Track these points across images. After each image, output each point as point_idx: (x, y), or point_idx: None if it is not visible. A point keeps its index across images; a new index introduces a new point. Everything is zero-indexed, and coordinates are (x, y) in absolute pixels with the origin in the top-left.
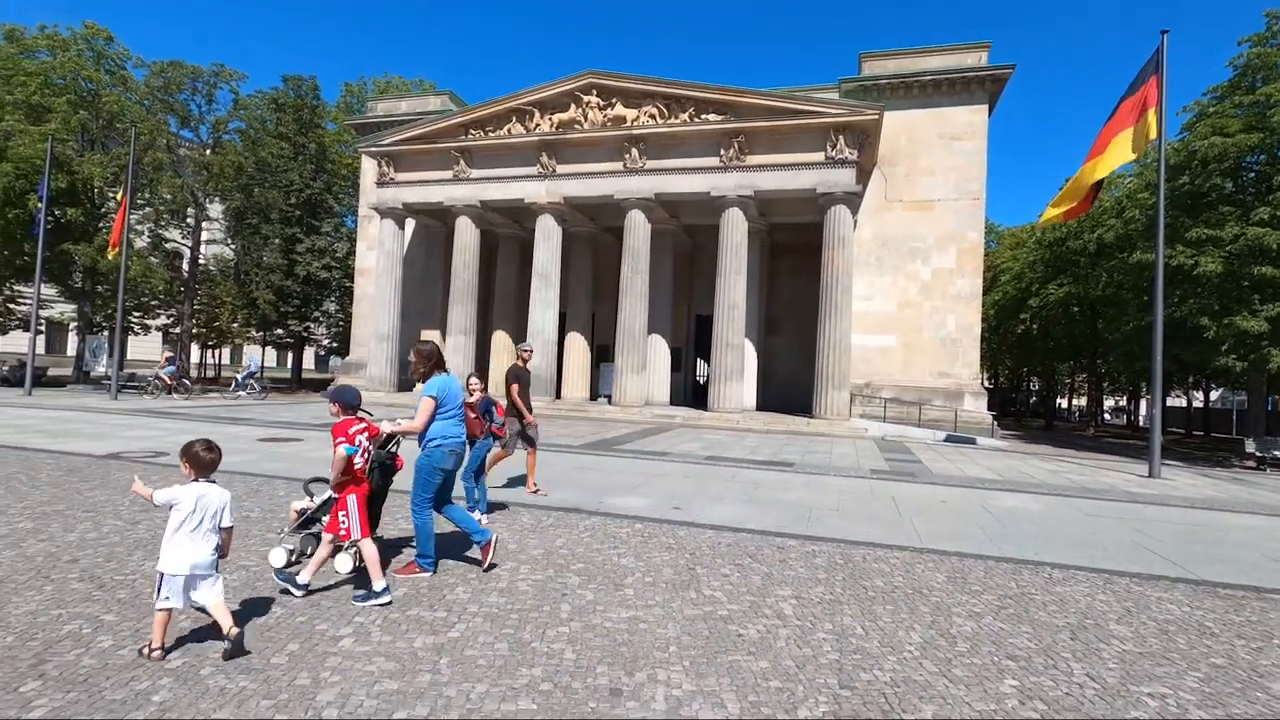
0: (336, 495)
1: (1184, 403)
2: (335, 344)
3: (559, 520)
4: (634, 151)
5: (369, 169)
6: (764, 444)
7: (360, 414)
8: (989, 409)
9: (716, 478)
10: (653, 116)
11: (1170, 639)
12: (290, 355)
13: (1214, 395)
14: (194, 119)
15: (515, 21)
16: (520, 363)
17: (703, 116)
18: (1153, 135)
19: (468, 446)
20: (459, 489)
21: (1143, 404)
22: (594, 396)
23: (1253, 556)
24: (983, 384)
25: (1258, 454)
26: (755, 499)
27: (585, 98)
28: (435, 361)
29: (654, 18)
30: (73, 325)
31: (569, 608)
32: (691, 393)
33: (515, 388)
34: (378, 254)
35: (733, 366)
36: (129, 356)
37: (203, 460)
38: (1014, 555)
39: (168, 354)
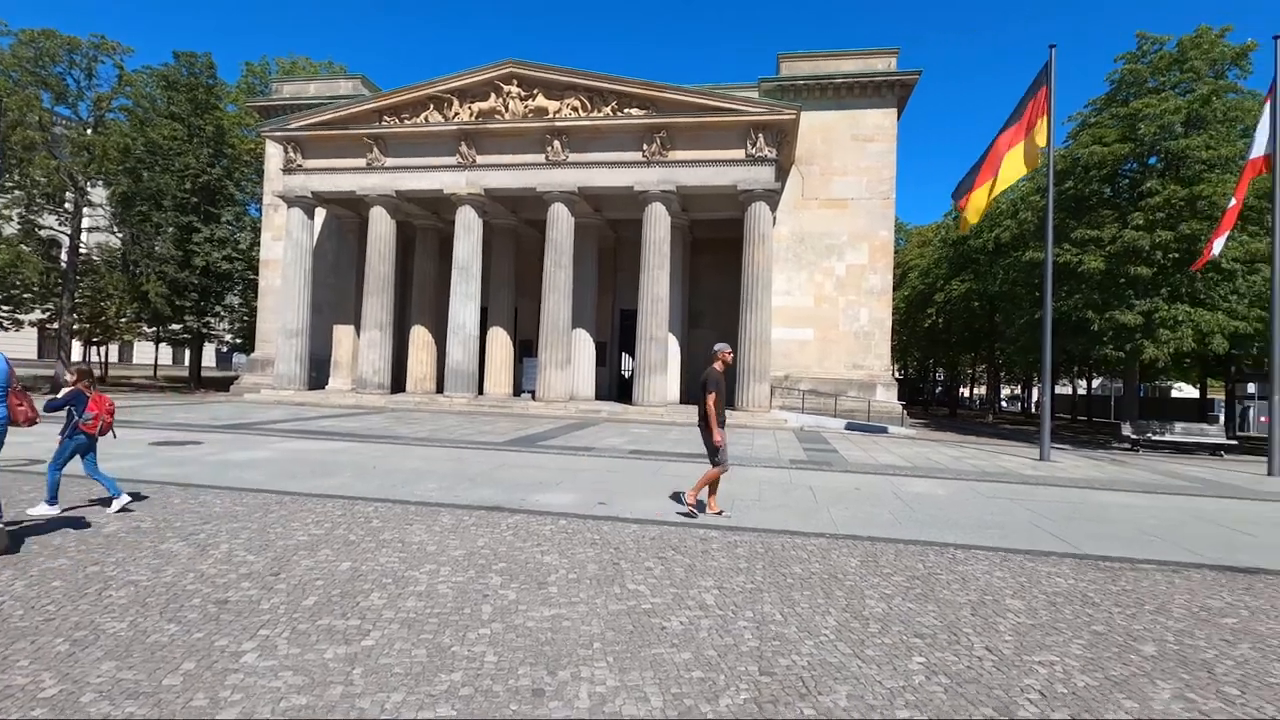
0: None
1: (1070, 390)
2: (240, 340)
3: (481, 520)
4: (556, 144)
5: (274, 155)
6: (688, 437)
7: None
8: (899, 399)
9: (641, 471)
10: (575, 109)
11: (1058, 610)
12: (188, 353)
13: (1095, 383)
14: (71, 95)
15: (430, 8)
16: (720, 366)
17: (625, 111)
18: (1042, 143)
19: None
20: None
21: (1035, 392)
22: (517, 392)
23: (1128, 531)
24: (893, 375)
25: (1132, 436)
26: (680, 492)
27: (506, 87)
28: None
29: (574, 10)
30: None
31: (490, 609)
32: (617, 387)
33: (714, 397)
34: (285, 245)
35: (657, 360)
36: None
37: None
38: (921, 538)
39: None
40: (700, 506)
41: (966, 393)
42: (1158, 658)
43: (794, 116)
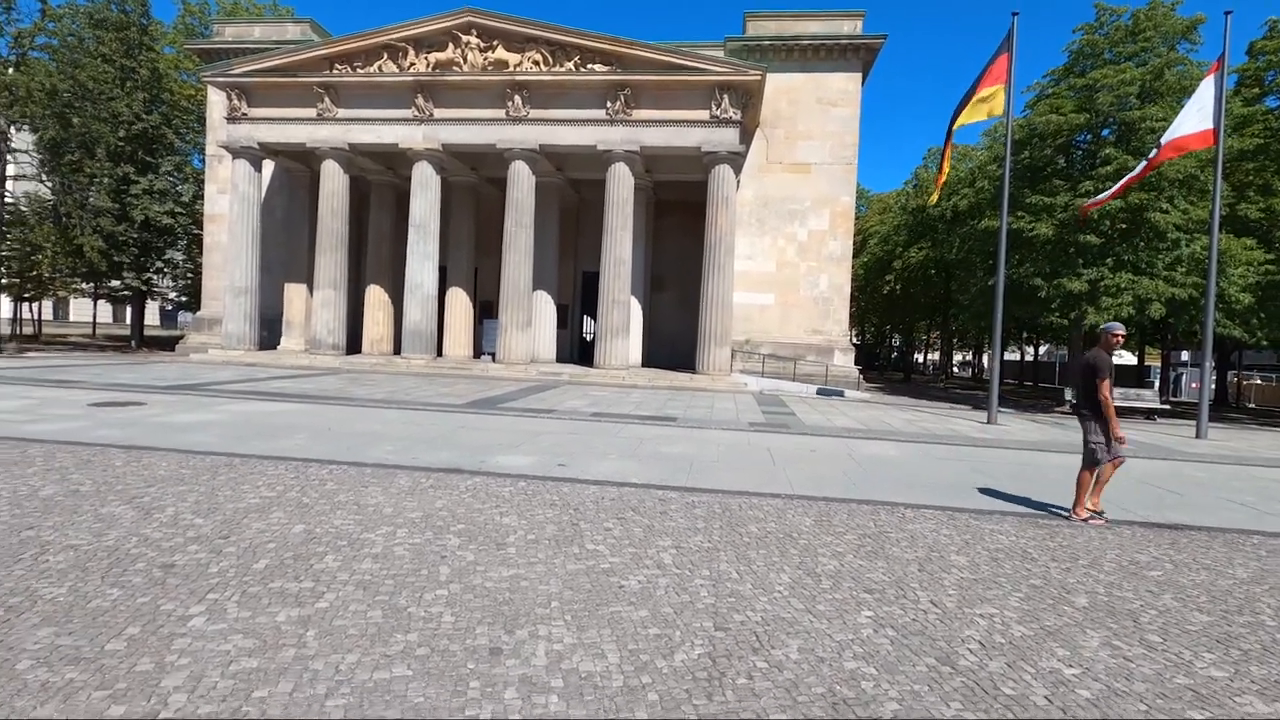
0: None
1: (1018, 356)
2: (184, 298)
3: (439, 481)
4: (517, 99)
5: (217, 102)
6: (649, 400)
7: None
8: (856, 364)
9: (601, 434)
10: (536, 63)
11: (999, 565)
12: (129, 310)
13: (1042, 350)
14: None
15: None
16: (1106, 349)
17: (589, 67)
18: (999, 111)
19: None
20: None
21: (985, 358)
22: (477, 354)
23: (1066, 490)
24: (851, 341)
25: (1073, 401)
26: (639, 454)
27: (465, 38)
28: None
29: None
30: None
31: (448, 570)
32: (578, 350)
33: (1107, 384)
34: (231, 198)
35: (619, 323)
36: None
37: None
38: (873, 498)
39: None
40: (1092, 513)
41: (921, 358)
42: (1089, 609)
43: (759, 78)
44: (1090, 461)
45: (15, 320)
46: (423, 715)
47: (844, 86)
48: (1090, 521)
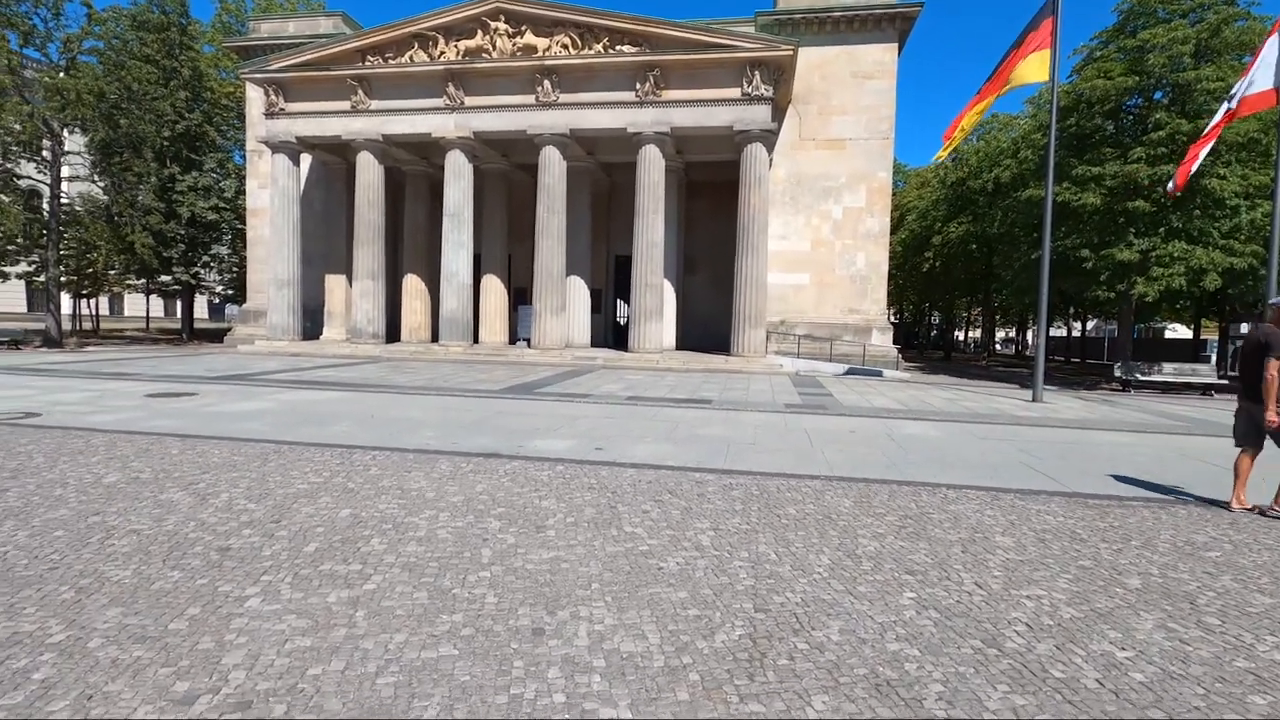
0: None
1: (1065, 332)
2: (231, 291)
3: (479, 466)
4: (546, 84)
5: (255, 98)
6: (683, 383)
7: None
8: (894, 343)
9: (637, 417)
10: (565, 47)
11: (1046, 546)
12: (179, 304)
13: (1090, 325)
14: (39, 35)
15: None
16: None
17: (617, 48)
18: (1043, 76)
19: None
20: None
21: (1029, 334)
22: (513, 340)
23: (1116, 469)
24: (889, 319)
25: (1123, 377)
26: (675, 437)
27: (493, 24)
28: None
29: None
30: None
31: (490, 552)
32: (612, 334)
33: (1275, 364)
34: (271, 192)
35: (652, 307)
36: None
37: None
38: (914, 479)
39: None
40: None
41: (962, 336)
42: (1142, 590)
43: (791, 52)
44: (1254, 445)
45: (75, 316)
46: (469, 693)
47: (879, 58)
48: (1267, 512)
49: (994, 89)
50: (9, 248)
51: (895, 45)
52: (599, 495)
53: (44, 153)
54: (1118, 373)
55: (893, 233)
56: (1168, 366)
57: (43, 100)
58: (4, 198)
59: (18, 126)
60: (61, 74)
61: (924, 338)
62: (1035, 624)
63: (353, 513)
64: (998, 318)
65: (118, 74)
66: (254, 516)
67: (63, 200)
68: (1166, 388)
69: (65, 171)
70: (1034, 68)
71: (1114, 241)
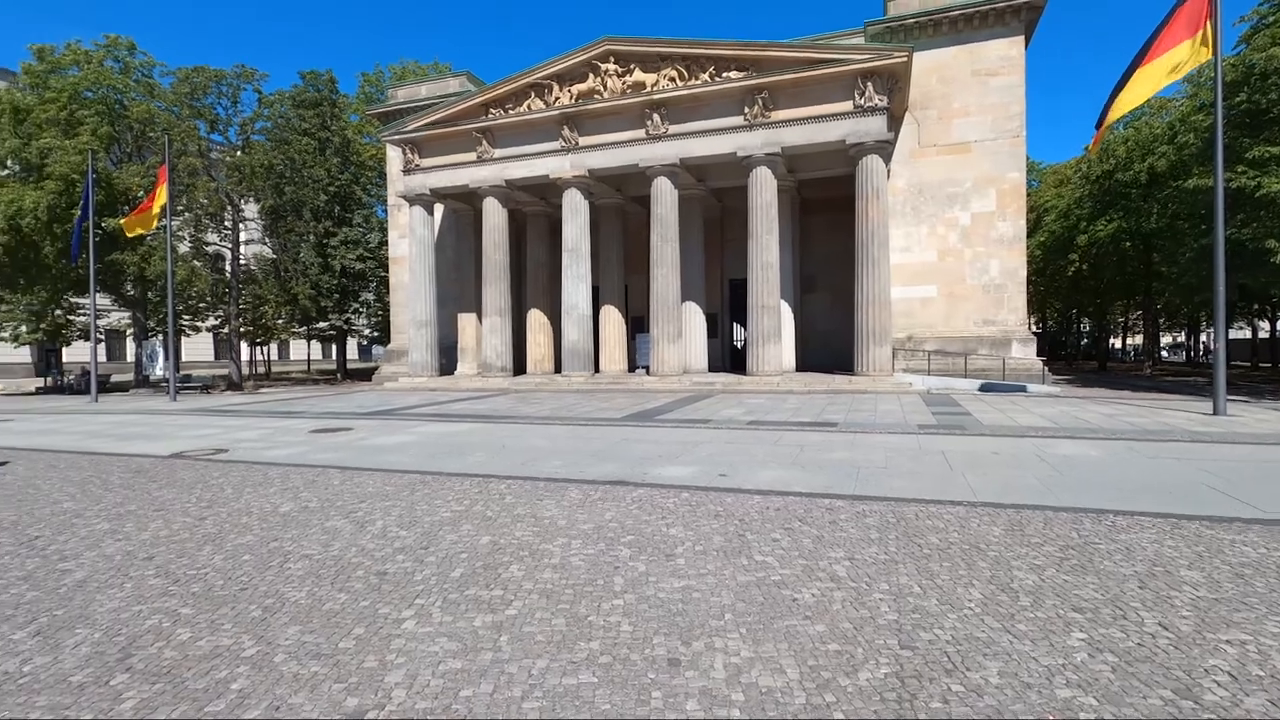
0: None
1: (1248, 334)
2: (376, 333)
3: (606, 494)
4: (655, 117)
5: (394, 157)
6: (806, 405)
7: None
8: (1038, 354)
9: (760, 442)
10: (672, 80)
11: (1247, 583)
12: (334, 347)
13: None
14: (221, 122)
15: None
16: None
17: (723, 75)
18: (1205, 55)
19: None
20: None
21: (1203, 337)
22: (632, 368)
23: None
24: (1030, 329)
25: None
26: (801, 461)
27: (603, 66)
28: None
29: None
30: (129, 332)
31: (622, 580)
32: (729, 358)
33: None
34: (409, 241)
35: (769, 328)
36: (183, 358)
37: None
38: (1073, 504)
39: None
40: None
41: (1118, 344)
42: None
43: (905, 59)
44: None
45: (251, 361)
46: None
47: (1004, 53)
48: None
49: (1150, 64)
50: (200, 305)
51: (1021, 38)
52: (726, 523)
53: (225, 222)
54: None
55: (1029, 236)
56: None
57: (224, 176)
58: (197, 264)
59: (206, 201)
60: (238, 152)
61: (1072, 347)
62: (1240, 673)
63: (492, 540)
64: (1162, 321)
65: (283, 148)
66: (405, 543)
67: (241, 261)
68: None
69: (242, 236)
70: (1186, 52)
71: None
